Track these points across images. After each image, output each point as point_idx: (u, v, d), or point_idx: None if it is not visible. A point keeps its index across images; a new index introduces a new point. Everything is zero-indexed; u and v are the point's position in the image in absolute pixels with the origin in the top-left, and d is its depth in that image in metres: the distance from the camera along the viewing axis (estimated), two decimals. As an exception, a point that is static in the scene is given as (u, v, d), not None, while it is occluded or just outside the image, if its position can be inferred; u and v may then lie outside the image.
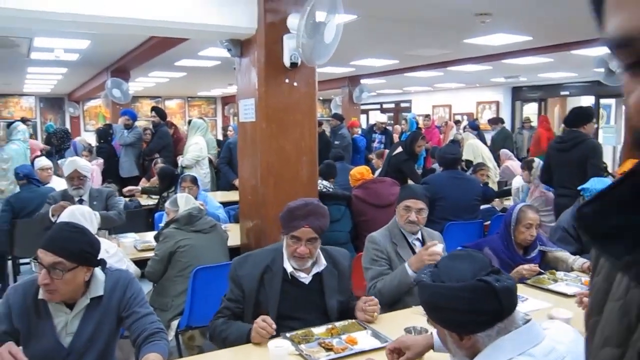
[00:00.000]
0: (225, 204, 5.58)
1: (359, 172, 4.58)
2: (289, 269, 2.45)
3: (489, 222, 4.92)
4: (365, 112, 18.29)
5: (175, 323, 3.38)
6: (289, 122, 3.72)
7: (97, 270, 2.17)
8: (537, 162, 5.12)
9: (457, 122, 12.88)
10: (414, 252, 2.96)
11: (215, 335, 2.44)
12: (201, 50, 8.00)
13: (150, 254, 3.74)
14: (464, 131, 10.42)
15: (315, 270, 2.49)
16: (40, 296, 2.07)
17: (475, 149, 7.54)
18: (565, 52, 7.91)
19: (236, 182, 7.35)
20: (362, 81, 11.84)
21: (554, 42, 7.55)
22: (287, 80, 3.68)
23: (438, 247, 2.71)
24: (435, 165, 7.11)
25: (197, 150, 7.29)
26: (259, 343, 2.24)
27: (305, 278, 2.48)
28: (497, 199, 5.85)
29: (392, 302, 2.77)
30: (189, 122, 7.95)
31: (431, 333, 1.97)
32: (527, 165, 5.22)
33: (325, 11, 3.37)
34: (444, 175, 4.95)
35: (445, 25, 6.30)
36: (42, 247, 1.99)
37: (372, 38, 7.18)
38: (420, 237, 3.05)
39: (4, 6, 3.05)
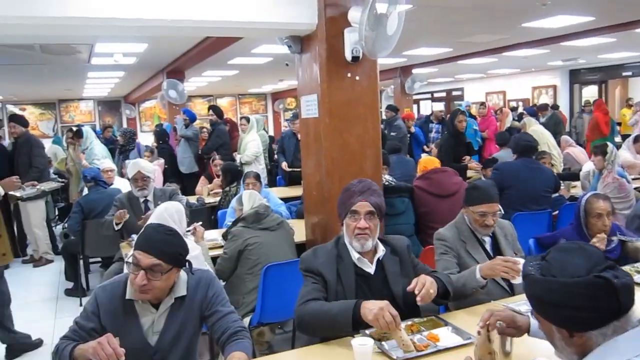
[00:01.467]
0: (285, 200, 5.60)
1: (424, 161, 4.53)
2: (355, 257, 2.44)
3: (557, 212, 4.76)
4: (417, 101, 18.04)
5: (246, 320, 3.41)
6: (352, 116, 3.69)
7: (181, 270, 2.22)
8: (611, 147, 4.87)
9: (513, 109, 12.53)
10: (484, 249, 2.88)
11: (310, 315, 2.27)
12: (254, 48, 8.07)
13: (216, 252, 3.80)
14: (522, 117, 10.13)
15: (376, 257, 2.47)
16: (128, 296, 2.13)
17: (540, 136, 7.06)
18: (630, 31, 7.57)
19: (284, 165, 7.48)
20: (414, 71, 11.68)
21: (618, 21, 7.23)
22: (349, 75, 3.65)
23: (519, 265, 2.50)
24: (498, 154, 6.90)
25: (256, 147, 7.43)
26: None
27: (370, 268, 2.46)
28: (563, 188, 5.64)
29: (456, 299, 2.68)
30: (241, 119, 8.02)
31: (528, 316, 1.91)
32: (600, 151, 4.92)
33: (387, 2, 3.31)
34: (517, 163, 4.80)
35: (502, 10, 6.13)
36: (140, 248, 2.04)
37: (426, 27, 7.06)
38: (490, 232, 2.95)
39: (67, 15, 3.11)
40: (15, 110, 16.01)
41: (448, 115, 10.68)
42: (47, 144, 11.25)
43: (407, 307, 2.43)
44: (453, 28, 7.24)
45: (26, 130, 6.69)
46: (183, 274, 2.22)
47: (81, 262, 5.68)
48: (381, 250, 2.48)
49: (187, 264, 2.18)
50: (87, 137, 7.62)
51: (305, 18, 3.61)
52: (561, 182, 5.48)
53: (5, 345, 4.18)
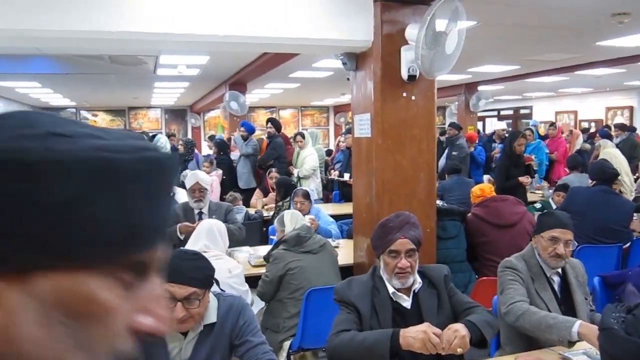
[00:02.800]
0: (336, 218, 5.48)
1: (481, 188, 4.30)
2: (390, 291, 2.31)
3: (628, 245, 4.41)
4: (482, 119, 17.56)
5: (287, 344, 3.32)
6: (406, 137, 3.55)
7: (210, 296, 2.14)
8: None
9: (585, 130, 11.93)
10: (553, 290, 2.64)
11: (343, 346, 2.17)
12: (315, 62, 8.04)
13: (264, 269, 3.73)
14: (593, 139, 9.62)
15: (413, 289, 2.34)
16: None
17: (613, 159, 6.45)
18: None
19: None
20: (480, 88, 11.34)
21: None
22: (404, 94, 3.52)
23: None
24: (568, 178, 6.51)
25: (313, 161, 7.41)
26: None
27: (406, 302, 2.33)
28: (635, 219, 5.22)
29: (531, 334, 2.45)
30: (297, 135, 7.99)
31: None
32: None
33: (447, 19, 3.17)
34: (594, 190, 4.48)
35: (574, 28, 5.81)
36: (172, 281, 1.96)
37: (492, 44, 6.81)
38: (559, 271, 2.69)
39: (132, 30, 3.17)
40: (88, 115, 16.75)
41: (508, 134, 10.32)
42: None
43: None
44: (520, 46, 6.94)
45: None
46: (213, 300, 2.14)
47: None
48: (418, 283, 2.34)
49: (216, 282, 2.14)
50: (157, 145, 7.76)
51: (361, 35, 3.51)
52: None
53: None
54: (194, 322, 2.04)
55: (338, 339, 2.19)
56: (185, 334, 2.09)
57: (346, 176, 7.36)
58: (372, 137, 3.57)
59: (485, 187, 4.30)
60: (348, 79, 3.96)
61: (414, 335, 2.01)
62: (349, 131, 7.44)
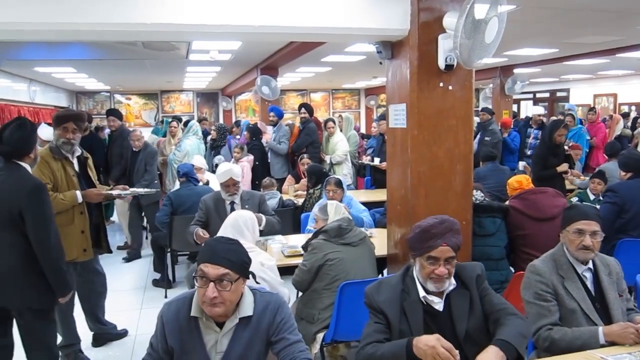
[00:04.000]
0: (368, 205, 5.43)
1: (518, 180, 4.18)
2: (422, 294, 2.29)
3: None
4: (517, 102, 17.17)
5: (320, 336, 3.32)
6: (442, 128, 3.47)
7: (246, 290, 2.15)
8: None
9: (625, 115, 11.55)
10: (585, 287, 2.58)
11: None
12: (348, 47, 7.95)
13: (297, 260, 3.72)
14: (635, 125, 9.31)
15: (445, 292, 2.30)
16: (193, 313, 2.09)
17: None
18: None
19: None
20: (516, 71, 11.05)
21: None
22: (441, 84, 3.42)
23: None
24: (606, 165, 6.30)
25: (345, 146, 7.38)
26: None
27: (438, 305, 2.29)
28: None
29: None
30: (327, 121, 7.92)
31: None
32: None
33: (488, 4, 3.05)
34: (634, 182, 4.32)
35: (616, 10, 5.58)
36: (206, 261, 2.01)
37: (531, 28, 6.60)
38: (591, 267, 2.62)
39: (163, 21, 3.16)
40: (122, 99, 16.95)
41: (550, 119, 10.02)
42: (147, 133, 11.83)
43: (475, 346, 2.21)
44: (560, 29, 6.72)
45: (122, 123, 7.02)
46: (249, 294, 2.15)
47: (168, 254, 5.84)
48: (451, 285, 2.30)
49: (252, 275, 2.14)
50: (189, 131, 7.82)
51: (397, 23, 3.43)
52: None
53: (92, 333, 4.35)
54: (225, 308, 2.03)
55: (363, 354, 2.22)
56: (221, 326, 2.09)
57: (376, 160, 7.29)
58: (407, 128, 3.50)
59: (523, 179, 4.18)
60: (381, 62, 3.89)
61: (423, 348, 2.03)
62: (383, 117, 7.35)
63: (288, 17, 3.32)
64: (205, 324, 2.09)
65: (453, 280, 2.30)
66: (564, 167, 5.61)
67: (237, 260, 2.04)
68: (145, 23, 3.14)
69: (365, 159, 7.87)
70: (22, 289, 3.01)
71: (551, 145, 5.56)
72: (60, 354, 3.81)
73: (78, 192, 3.73)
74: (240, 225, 3.16)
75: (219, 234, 3.23)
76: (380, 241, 4.11)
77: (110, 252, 4.27)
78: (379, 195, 6.52)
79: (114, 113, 7.07)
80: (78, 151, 3.91)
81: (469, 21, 3.01)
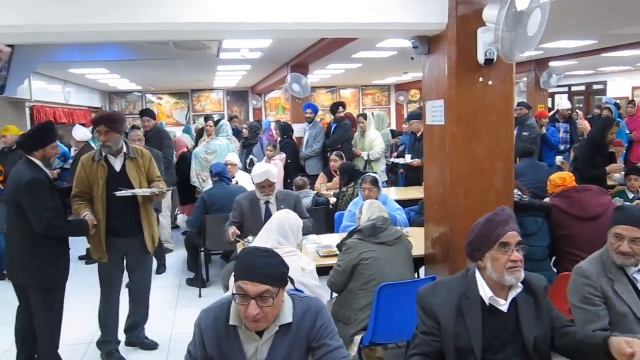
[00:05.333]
0: (404, 204, 5.34)
1: (560, 177, 4.03)
2: (488, 295, 2.19)
3: None
4: (551, 95, 16.76)
5: (358, 338, 3.25)
6: (482, 124, 3.36)
7: (285, 295, 2.09)
8: None
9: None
10: (636, 289, 2.46)
11: None
12: (379, 42, 7.85)
13: (332, 260, 3.66)
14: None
15: (512, 294, 2.20)
16: (231, 322, 2.04)
17: None
18: None
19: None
20: (551, 64, 10.77)
21: None
22: (480, 79, 3.32)
23: None
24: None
25: (382, 143, 7.33)
26: None
27: (503, 305, 2.19)
28: None
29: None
30: (359, 116, 7.84)
31: None
32: None
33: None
34: None
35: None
36: (245, 278, 1.94)
37: (569, 19, 6.40)
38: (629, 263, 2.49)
39: (196, 20, 3.14)
40: (153, 98, 17.13)
41: (597, 112, 9.67)
42: (179, 132, 11.92)
43: (538, 354, 2.16)
44: (600, 19, 6.50)
45: (157, 123, 7.05)
46: (288, 300, 2.09)
47: (202, 253, 5.85)
48: (518, 287, 2.20)
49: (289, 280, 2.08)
50: (219, 130, 7.86)
51: (434, 17, 3.33)
52: None
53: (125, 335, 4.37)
54: (267, 321, 1.99)
55: None
56: (260, 334, 2.05)
57: (407, 157, 7.19)
58: (445, 125, 3.40)
59: (566, 176, 4.04)
60: (412, 58, 3.79)
61: None
62: (412, 117, 7.23)
63: (322, 13, 3.25)
64: (245, 333, 2.04)
65: (520, 284, 2.21)
66: (615, 167, 5.38)
67: (276, 274, 1.97)
68: (179, 22, 3.13)
69: (393, 157, 7.77)
70: (26, 267, 3.53)
71: (600, 144, 5.33)
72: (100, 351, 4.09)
73: (84, 213, 3.78)
74: (286, 229, 3.13)
75: (263, 233, 3.20)
76: (415, 241, 4.01)
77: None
78: (411, 193, 6.42)
79: (147, 113, 7.12)
80: (124, 150, 3.95)
81: (511, 13, 2.91)
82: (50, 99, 11.13)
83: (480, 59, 3.26)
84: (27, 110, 9.83)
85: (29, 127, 9.45)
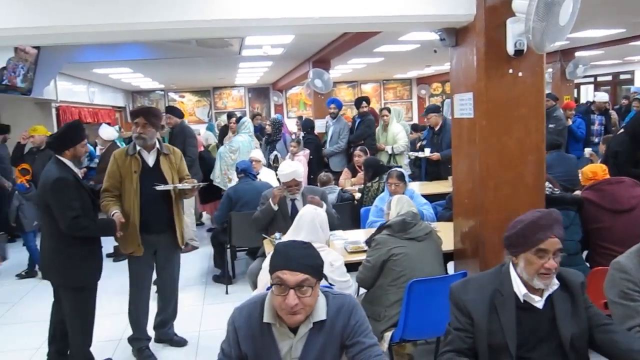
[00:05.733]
0: (430, 198, 5.28)
1: (592, 170, 3.94)
2: (522, 292, 2.15)
3: None
4: (577, 86, 16.47)
5: (387, 335, 3.22)
6: (512, 117, 3.29)
7: (318, 292, 2.07)
8: None
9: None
10: None
11: None
12: (402, 36, 7.78)
13: (360, 256, 3.64)
14: None
15: (548, 292, 2.16)
16: (265, 319, 2.03)
17: None
18: None
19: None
20: (577, 54, 10.57)
21: None
22: (510, 71, 3.25)
23: None
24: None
25: (405, 137, 7.28)
26: None
27: (539, 302, 2.15)
28: None
29: None
30: (383, 109, 7.80)
31: None
32: None
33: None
34: None
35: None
36: (283, 267, 1.93)
37: (597, 8, 6.26)
38: None
39: (219, 18, 3.13)
40: (175, 97, 17.27)
41: (625, 103, 9.44)
42: (203, 130, 11.99)
43: (574, 352, 2.12)
44: (629, 8, 6.35)
45: (181, 121, 7.07)
46: (321, 297, 2.07)
47: (228, 250, 5.87)
48: (555, 285, 2.16)
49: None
50: (240, 127, 7.90)
51: (462, 9, 3.27)
52: None
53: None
54: (305, 314, 1.98)
55: None
56: (295, 331, 2.03)
57: (427, 151, 7.11)
58: (474, 118, 3.35)
59: (598, 169, 3.94)
60: (435, 51, 3.73)
61: None
62: (430, 110, 7.12)
63: (345, 7, 3.21)
64: (279, 330, 2.03)
65: (556, 280, 2.17)
66: None
67: (314, 264, 1.97)
68: (202, 20, 3.12)
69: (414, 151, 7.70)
70: (58, 267, 3.59)
71: (636, 138, 5.10)
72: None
73: (113, 211, 3.77)
74: (316, 225, 3.13)
75: (293, 229, 3.19)
76: (443, 236, 3.96)
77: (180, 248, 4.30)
78: (433, 187, 6.35)
79: (170, 110, 7.13)
80: (157, 146, 3.98)
81: (542, 3, 2.84)
82: (76, 99, 11.29)
83: (510, 50, 3.20)
84: (54, 111, 9.99)
85: (55, 128, 9.62)
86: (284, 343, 2.04)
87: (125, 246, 3.95)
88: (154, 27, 3.12)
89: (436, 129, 7.04)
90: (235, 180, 6.50)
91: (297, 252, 2.00)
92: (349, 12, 3.23)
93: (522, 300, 2.16)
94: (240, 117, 8.52)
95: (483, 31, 3.23)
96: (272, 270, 1.96)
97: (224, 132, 9.32)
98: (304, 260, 1.96)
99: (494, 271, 2.27)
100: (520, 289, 2.15)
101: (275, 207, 4.49)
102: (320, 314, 2.03)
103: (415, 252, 3.25)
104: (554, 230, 2.11)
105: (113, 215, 3.73)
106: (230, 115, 9.41)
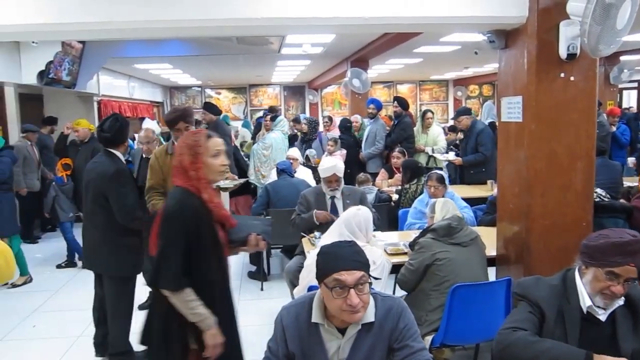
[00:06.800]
0: (470, 201, 5.20)
1: (645, 178, 3.84)
2: (586, 304, 2.10)
3: None
4: (620, 91, 16.03)
5: (428, 339, 3.18)
6: (562, 122, 3.22)
7: None
8: None
9: None
10: None
11: (520, 347, 2.04)
12: (444, 37, 7.69)
13: (400, 258, 3.61)
14: None
15: (612, 306, 2.10)
16: (314, 319, 2.03)
17: None
18: None
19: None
20: (622, 58, 10.29)
21: None
22: (562, 75, 3.18)
23: None
24: None
25: (444, 139, 7.21)
26: None
27: (602, 315, 2.11)
28: None
29: None
30: (426, 112, 7.73)
31: None
32: None
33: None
34: None
35: None
36: (342, 268, 1.91)
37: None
38: None
39: (259, 16, 3.14)
40: (212, 93, 17.45)
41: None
42: (238, 126, 12.10)
43: None
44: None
45: (217, 118, 7.14)
46: (370, 299, 2.05)
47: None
48: (620, 301, 2.10)
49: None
50: (276, 124, 7.94)
51: (513, 10, 3.21)
52: None
53: None
54: (365, 311, 1.97)
55: (514, 337, 2.04)
56: (342, 332, 2.03)
57: (451, 154, 6.99)
58: (523, 122, 3.28)
59: (650, 176, 3.84)
60: (476, 52, 3.66)
61: None
62: (462, 113, 6.96)
63: (392, 7, 3.18)
64: (327, 330, 2.03)
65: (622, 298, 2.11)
66: None
67: (364, 261, 1.97)
68: (245, 18, 3.13)
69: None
70: (106, 256, 3.67)
71: None
72: None
73: None
74: (353, 226, 3.16)
75: (331, 232, 3.19)
76: (486, 241, 3.90)
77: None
78: (470, 191, 6.23)
79: (208, 107, 7.18)
80: None
81: (599, 5, 2.77)
82: (116, 93, 11.50)
83: (563, 53, 3.13)
84: (95, 104, 10.19)
85: (97, 121, 9.83)
86: (331, 343, 2.03)
87: None
88: (199, 24, 3.16)
89: (466, 131, 6.94)
90: (271, 177, 6.56)
91: (346, 251, 1.99)
92: (395, 13, 3.21)
93: (585, 312, 2.11)
94: (276, 115, 8.57)
95: (535, 33, 3.17)
96: (326, 273, 1.94)
97: (257, 129, 9.39)
98: (356, 257, 1.96)
99: (561, 276, 2.21)
100: (585, 301, 2.10)
101: (317, 223, 4.46)
102: (369, 315, 2.02)
103: (460, 258, 3.20)
104: (636, 259, 2.01)
105: None
106: (272, 109, 9.46)
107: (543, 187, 3.27)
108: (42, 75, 7.06)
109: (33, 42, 6.63)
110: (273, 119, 8.16)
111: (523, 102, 3.27)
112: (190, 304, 2.32)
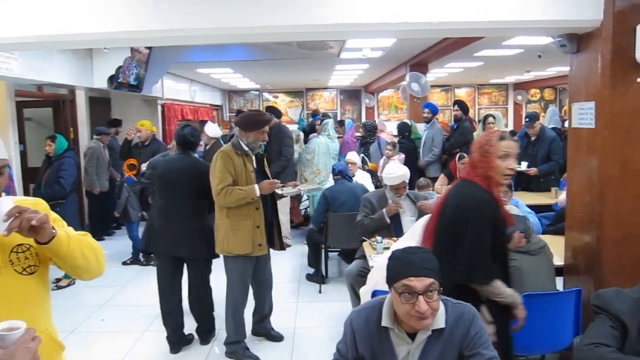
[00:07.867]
0: (535, 208, 5.08)
1: None
2: None
3: None
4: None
5: (493, 348, 3.14)
6: (637, 128, 3.10)
7: None
8: None
9: None
10: None
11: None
12: (507, 40, 7.54)
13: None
14: None
15: None
16: (384, 323, 2.04)
17: None
18: None
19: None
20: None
21: None
22: (638, 80, 3.07)
23: None
24: None
25: None
26: None
27: None
28: None
29: None
30: (488, 116, 7.58)
31: None
32: None
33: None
34: None
35: None
36: (409, 275, 1.94)
37: None
38: None
39: (325, 22, 3.17)
40: (269, 97, 17.69)
41: None
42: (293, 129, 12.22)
43: None
44: None
45: (279, 121, 7.24)
46: (440, 305, 2.05)
47: (322, 251, 5.94)
48: None
49: None
50: (322, 128, 8.02)
51: (587, 14, 3.12)
52: None
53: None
54: (433, 318, 1.98)
55: (598, 355, 2.00)
56: (412, 337, 2.03)
57: (523, 165, 6.46)
58: (596, 128, 3.19)
59: None
60: (539, 56, 3.56)
61: None
62: (534, 118, 6.68)
63: (457, 11, 3.14)
64: (398, 335, 2.04)
65: None
66: None
67: (435, 268, 1.98)
68: (316, 24, 3.17)
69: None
70: (195, 242, 4.16)
71: None
72: (226, 349, 4.19)
73: (256, 186, 3.86)
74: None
75: (407, 235, 3.20)
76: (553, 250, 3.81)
77: (283, 249, 4.38)
78: (534, 198, 6.06)
79: (271, 110, 7.30)
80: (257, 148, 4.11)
81: (681, 8, 2.66)
82: (179, 97, 11.85)
83: (639, 57, 3.02)
84: (159, 108, 10.53)
85: (160, 123, 10.16)
86: (401, 348, 2.04)
87: (243, 245, 3.91)
88: (265, 30, 3.22)
89: (532, 138, 6.68)
90: (317, 180, 6.64)
91: (417, 257, 2.00)
92: (466, 18, 3.17)
93: None
94: (322, 119, 8.62)
95: (610, 37, 3.07)
96: (395, 278, 1.97)
97: (310, 131, 9.47)
98: (427, 264, 1.97)
99: None
100: None
101: (389, 221, 4.48)
102: (439, 321, 2.02)
103: (528, 266, 3.15)
104: None
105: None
106: (315, 113, 9.47)
107: (616, 195, 3.16)
108: (112, 79, 7.37)
109: (105, 49, 6.91)
110: (321, 122, 8.26)
111: (596, 107, 3.18)
112: (500, 289, 2.54)
